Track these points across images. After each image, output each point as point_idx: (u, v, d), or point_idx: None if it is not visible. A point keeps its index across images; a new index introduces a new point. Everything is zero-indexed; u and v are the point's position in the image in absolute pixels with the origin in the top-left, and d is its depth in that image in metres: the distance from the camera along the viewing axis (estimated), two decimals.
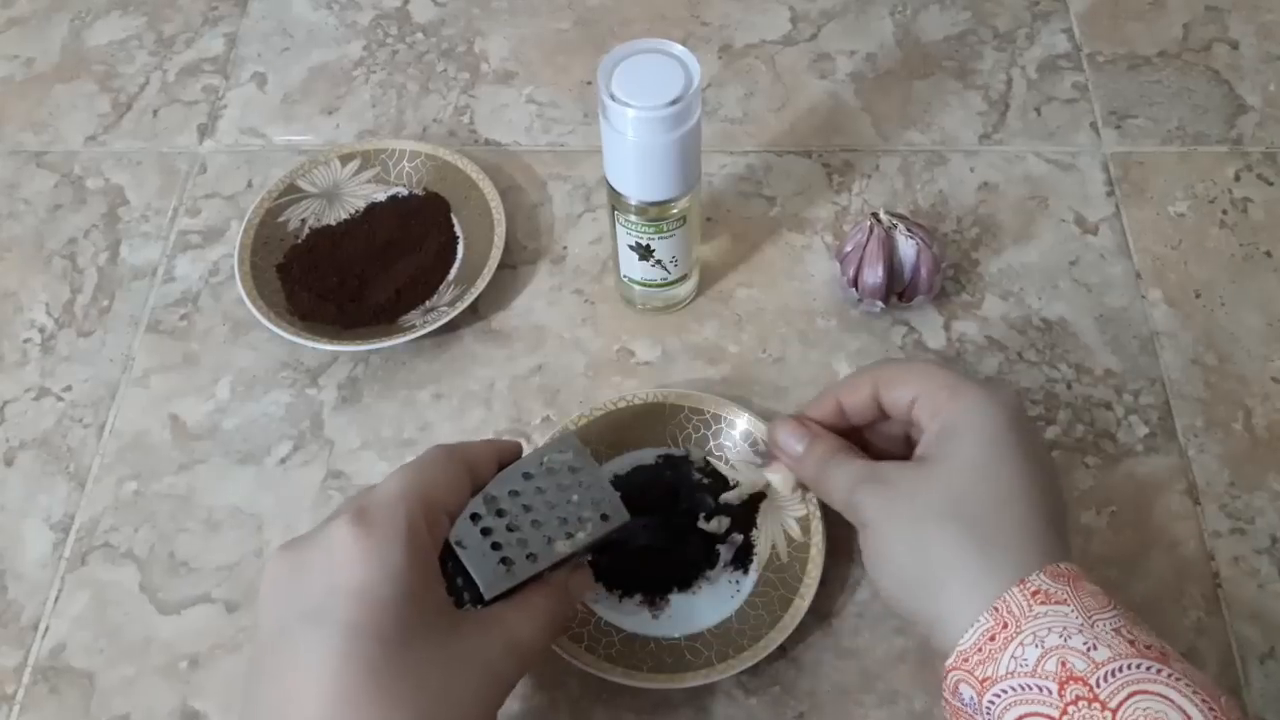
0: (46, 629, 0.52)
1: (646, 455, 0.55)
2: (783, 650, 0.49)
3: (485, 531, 0.43)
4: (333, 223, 0.64)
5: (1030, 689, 0.37)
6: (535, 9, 0.75)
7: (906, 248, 0.57)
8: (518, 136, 0.69)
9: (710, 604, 0.51)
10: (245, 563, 0.54)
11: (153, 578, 0.53)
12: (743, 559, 0.52)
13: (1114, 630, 0.37)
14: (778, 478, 0.51)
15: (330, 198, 0.65)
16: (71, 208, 0.67)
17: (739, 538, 0.52)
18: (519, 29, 0.74)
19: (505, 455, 0.46)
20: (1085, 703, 0.36)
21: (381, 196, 0.65)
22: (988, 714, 0.38)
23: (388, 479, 0.42)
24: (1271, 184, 0.65)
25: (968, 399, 0.44)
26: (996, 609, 0.38)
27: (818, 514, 0.52)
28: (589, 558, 0.50)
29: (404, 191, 0.65)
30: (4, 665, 0.51)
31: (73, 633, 0.52)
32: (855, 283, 0.58)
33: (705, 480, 0.54)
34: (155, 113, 0.71)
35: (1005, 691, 0.37)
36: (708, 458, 0.55)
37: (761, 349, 0.60)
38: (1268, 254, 0.62)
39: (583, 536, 0.44)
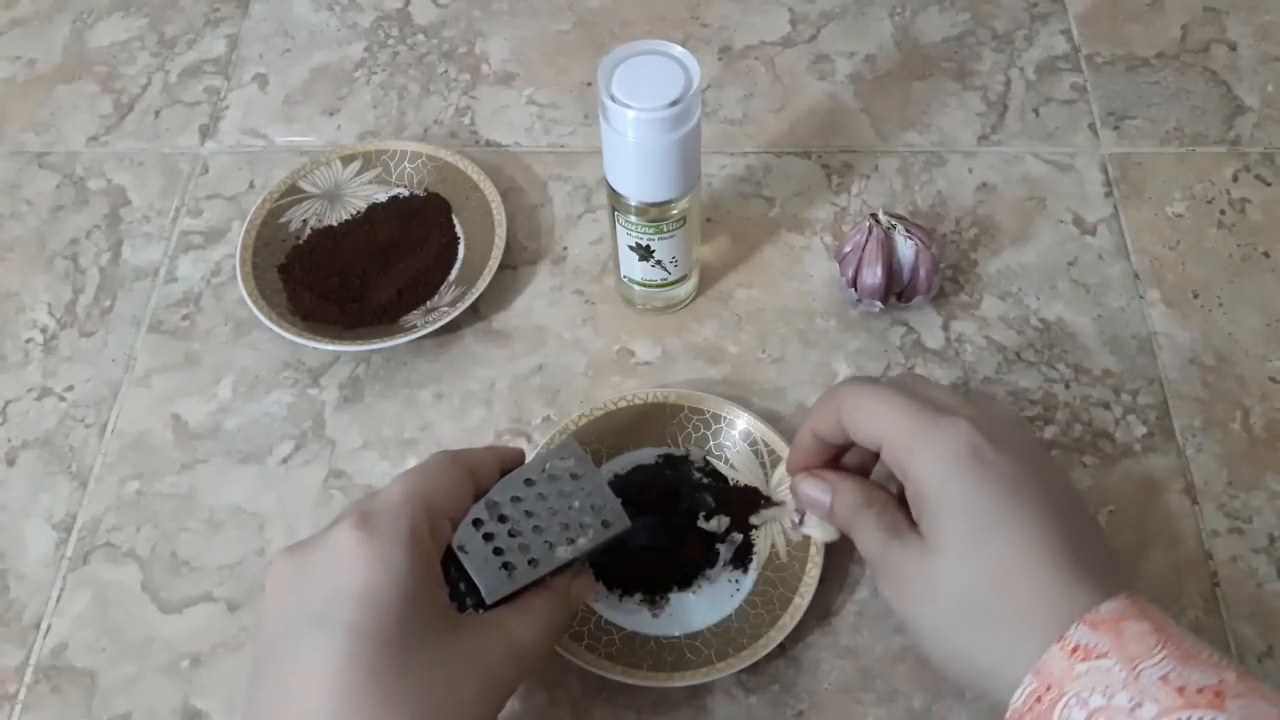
0: (48, 628, 0.52)
1: (646, 455, 0.55)
2: (782, 649, 0.49)
3: (487, 537, 0.43)
4: (334, 223, 0.64)
5: None
6: (536, 10, 0.75)
7: (905, 248, 0.57)
8: (518, 137, 0.69)
9: (710, 603, 0.51)
10: (247, 562, 0.54)
11: (154, 577, 0.54)
12: (742, 558, 0.52)
13: (1161, 679, 0.35)
14: (817, 531, 0.49)
15: (332, 198, 0.65)
16: (73, 208, 0.67)
17: (738, 537, 0.52)
18: (519, 30, 0.74)
19: (508, 461, 0.46)
20: None
21: (383, 197, 0.65)
22: None
23: (391, 483, 0.42)
24: (1269, 184, 0.65)
25: (938, 449, 0.40)
26: (1039, 671, 0.37)
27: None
28: (590, 562, 0.50)
29: (405, 192, 0.66)
30: (6, 664, 0.51)
31: (74, 632, 0.52)
32: (854, 283, 0.59)
33: (705, 480, 0.54)
34: (157, 113, 0.71)
35: None
36: (708, 458, 0.55)
37: (761, 349, 0.60)
38: (1265, 254, 0.62)
39: (584, 542, 0.44)
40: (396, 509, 0.40)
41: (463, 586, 0.43)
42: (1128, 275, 0.62)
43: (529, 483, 0.45)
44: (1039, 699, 0.37)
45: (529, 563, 0.43)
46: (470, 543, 0.43)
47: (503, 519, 0.44)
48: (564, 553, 0.44)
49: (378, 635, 0.37)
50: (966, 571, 0.40)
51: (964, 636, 0.40)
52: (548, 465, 0.46)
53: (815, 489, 0.47)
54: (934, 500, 0.40)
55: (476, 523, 0.43)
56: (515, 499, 0.44)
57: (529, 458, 0.48)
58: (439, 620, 0.40)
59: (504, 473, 0.46)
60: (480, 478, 0.44)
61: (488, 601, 0.42)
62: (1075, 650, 0.37)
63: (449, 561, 0.42)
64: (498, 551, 0.43)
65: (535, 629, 0.42)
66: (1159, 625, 0.37)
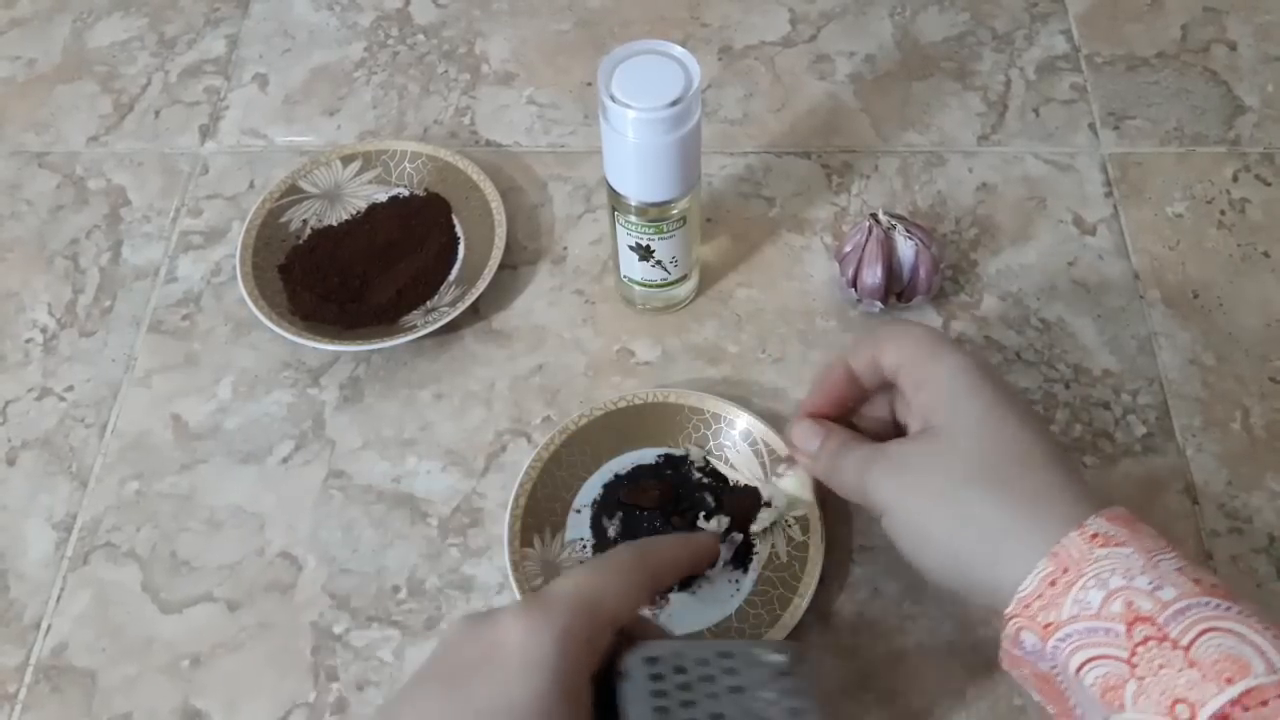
0: (48, 628, 0.52)
1: (646, 455, 0.55)
2: None
3: (655, 677, 0.38)
4: (334, 223, 0.64)
5: (1097, 631, 0.36)
6: (536, 10, 0.75)
7: (905, 248, 0.58)
8: (518, 137, 0.69)
9: (710, 603, 0.51)
10: (247, 562, 0.54)
11: (154, 577, 0.54)
12: (742, 558, 0.52)
13: (1178, 570, 0.36)
14: (794, 482, 0.51)
15: (332, 198, 0.65)
16: (73, 208, 0.67)
17: (739, 537, 0.52)
18: (519, 30, 0.74)
19: (700, 556, 0.44)
20: (1155, 643, 0.35)
21: (383, 197, 0.65)
22: (1052, 660, 0.37)
23: (570, 574, 0.39)
24: (1269, 184, 0.65)
25: (951, 362, 0.43)
26: (1056, 554, 0.37)
27: (818, 514, 0.52)
28: None
29: (405, 192, 0.66)
30: (6, 664, 0.51)
31: (75, 632, 0.52)
32: (854, 283, 0.59)
33: (705, 480, 0.54)
34: (157, 113, 0.71)
35: (1070, 636, 0.36)
36: (708, 457, 0.55)
37: (761, 349, 0.60)
38: (1265, 254, 0.62)
39: None
40: (561, 601, 0.37)
41: (606, 705, 0.38)
42: (1128, 275, 0.62)
43: (724, 655, 0.39)
44: (1053, 583, 0.37)
45: None
46: (635, 672, 0.37)
47: (680, 670, 0.38)
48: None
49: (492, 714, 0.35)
50: (984, 445, 0.41)
51: (974, 521, 0.40)
52: (765, 657, 0.39)
53: (808, 433, 0.47)
54: (956, 388, 0.42)
55: (650, 660, 0.38)
56: (702, 661, 0.38)
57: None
58: None
59: (695, 566, 0.43)
60: (662, 579, 0.41)
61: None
62: (1095, 537, 0.37)
63: (605, 681, 0.38)
64: (658, 694, 0.37)
65: None
66: (1166, 537, 0.38)
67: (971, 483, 0.40)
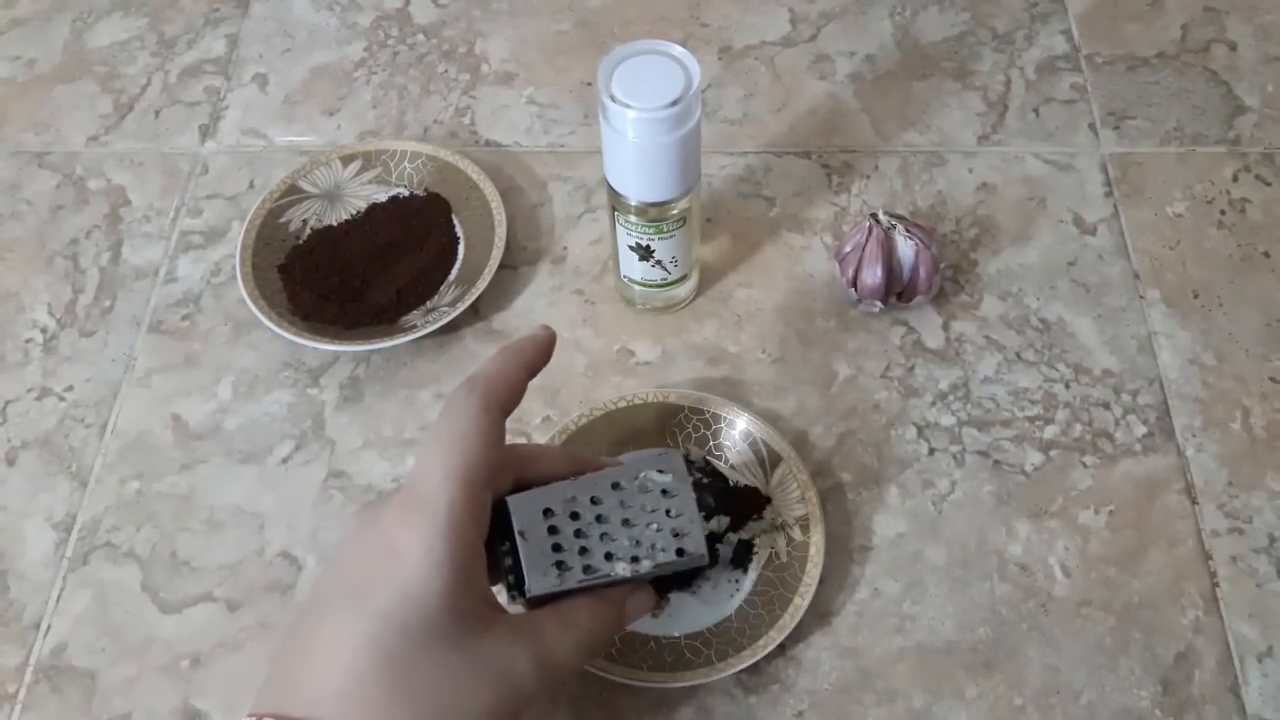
0: (48, 628, 0.52)
1: (646, 455, 0.55)
2: (782, 649, 0.49)
3: (552, 530, 0.41)
4: (334, 223, 0.64)
5: None
6: (535, 10, 0.75)
7: (905, 248, 0.57)
8: (518, 137, 0.69)
9: (710, 603, 0.51)
10: (247, 562, 0.54)
11: (154, 577, 0.54)
12: (742, 558, 0.52)
13: None
14: None
15: (331, 198, 0.65)
16: (73, 208, 0.67)
17: (734, 538, 0.52)
18: (519, 30, 0.74)
19: (534, 359, 0.43)
20: None
21: (382, 197, 0.65)
22: None
23: (428, 459, 0.39)
24: (1269, 184, 0.65)
25: None
26: None
27: (818, 514, 0.52)
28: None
29: (405, 192, 0.66)
30: (6, 664, 0.51)
31: (74, 632, 0.52)
32: (854, 283, 0.59)
33: (705, 480, 0.54)
34: (157, 113, 0.71)
35: None
36: (708, 458, 0.55)
37: (761, 349, 0.60)
38: (1265, 254, 0.62)
39: (648, 565, 0.42)
40: (436, 493, 0.38)
41: (509, 568, 0.41)
42: (1128, 275, 0.62)
43: (616, 487, 0.43)
44: None
45: (584, 569, 0.41)
46: (532, 531, 0.41)
47: (574, 516, 0.42)
48: (621, 570, 0.41)
49: (403, 625, 0.37)
50: None
51: None
52: (641, 475, 0.43)
53: None
54: None
55: (546, 511, 0.41)
56: (594, 500, 0.42)
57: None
58: (468, 618, 0.38)
59: (531, 374, 0.43)
60: (509, 407, 0.42)
61: (529, 594, 0.41)
62: None
63: (498, 538, 0.41)
64: (556, 548, 0.41)
65: (570, 641, 0.40)
66: None
67: None
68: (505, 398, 0.42)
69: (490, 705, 0.38)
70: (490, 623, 0.39)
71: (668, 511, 0.43)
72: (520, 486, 0.43)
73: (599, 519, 0.42)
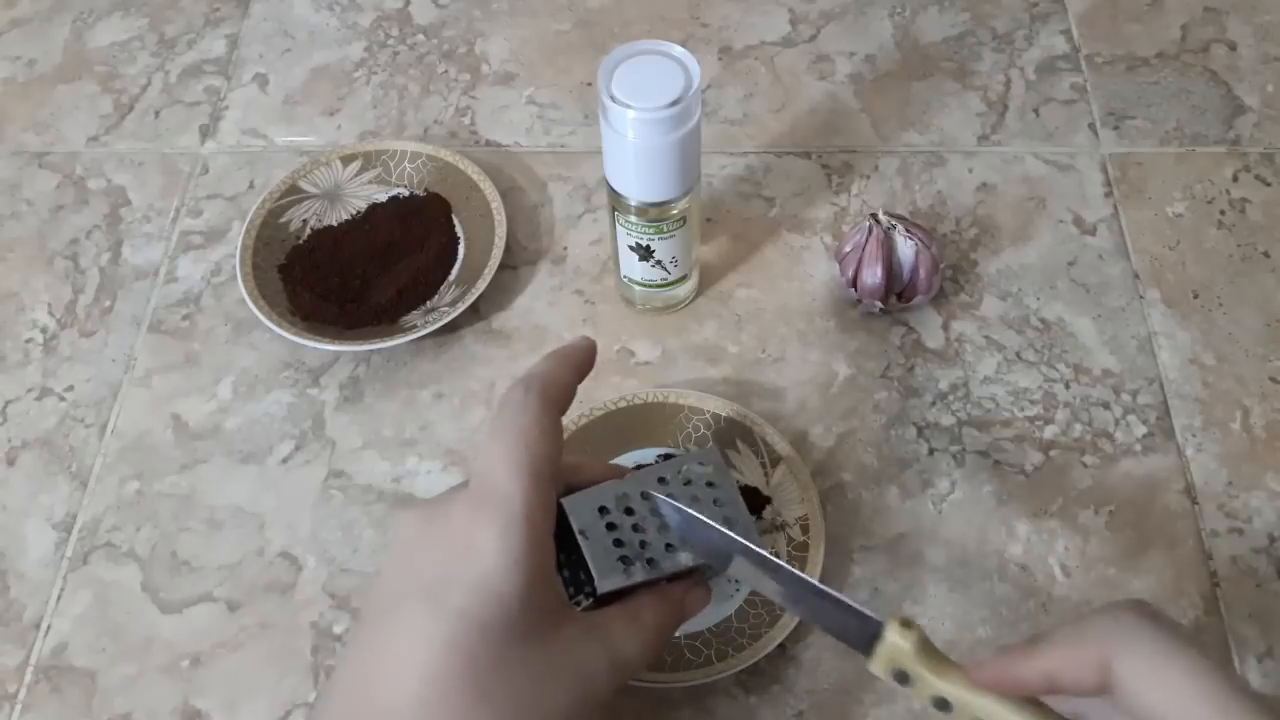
0: (48, 628, 0.52)
1: (646, 455, 0.55)
2: (782, 649, 0.49)
3: (610, 526, 0.41)
4: (334, 223, 0.64)
5: None
6: (536, 10, 0.75)
7: (905, 248, 0.58)
8: (518, 137, 0.69)
9: (710, 603, 0.51)
10: (247, 562, 0.54)
11: (154, 577, 0.54)
12: None
13: None
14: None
15: (332, 198, 0.65)
16: (73, 208, 0.67)
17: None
18: (519, 30, 0.74)
19: (582, 364, 0.43)
20: None
21: (383, 197, 0.65)
22: None
23: (492, 455, 0.38)
24: (1269, 184, 0.65)
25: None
26: None
27: (818, 514, 0.52)
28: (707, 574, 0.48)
29: (405, 192, 0.66)
30: (6, 664, 0.51)
31: (75, 632, 0.52)
32: (854, 283, 0.59)
33: None
34: (157, 114, 0.71)
35: None
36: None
37: (761, 349, 0.60)
38: (1265, 254, 0.62)
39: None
40: (509, 490, 0.37)
41: (569, 571, 0.41)
42: (1128, 275, 0.62)
43: (662, 481, 0.44)
44: None
45: (648, 562, 0.41)
46: (592, 529, 0.41)
47: (629, 511, 0.42)
48: (685, 559, 0.42)
49: (484, 625, 0.36)
50: None
51: None
52: (684, 468, 0.44)
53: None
54: None
55: (602, 510, 0.41)
56: (645, 495, 0.43)
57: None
58: (546, 616, 0.37)
59: (580, 377, 0.43)
60: (563, 407, 0.42)
61: (599, 592, 0.40)
62: None
63: (561, 540, 0.40)
64: (618, 544, 0.41)
65: (639, 640, 0.40)
66: None
67: None
68: (559, 396, 0.41)
69: (567, 706, 0.37)
70: (562, 621, 0.38)
71: (714, 501, 0.44)
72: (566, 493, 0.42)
73: (653, 513, 0.42)
